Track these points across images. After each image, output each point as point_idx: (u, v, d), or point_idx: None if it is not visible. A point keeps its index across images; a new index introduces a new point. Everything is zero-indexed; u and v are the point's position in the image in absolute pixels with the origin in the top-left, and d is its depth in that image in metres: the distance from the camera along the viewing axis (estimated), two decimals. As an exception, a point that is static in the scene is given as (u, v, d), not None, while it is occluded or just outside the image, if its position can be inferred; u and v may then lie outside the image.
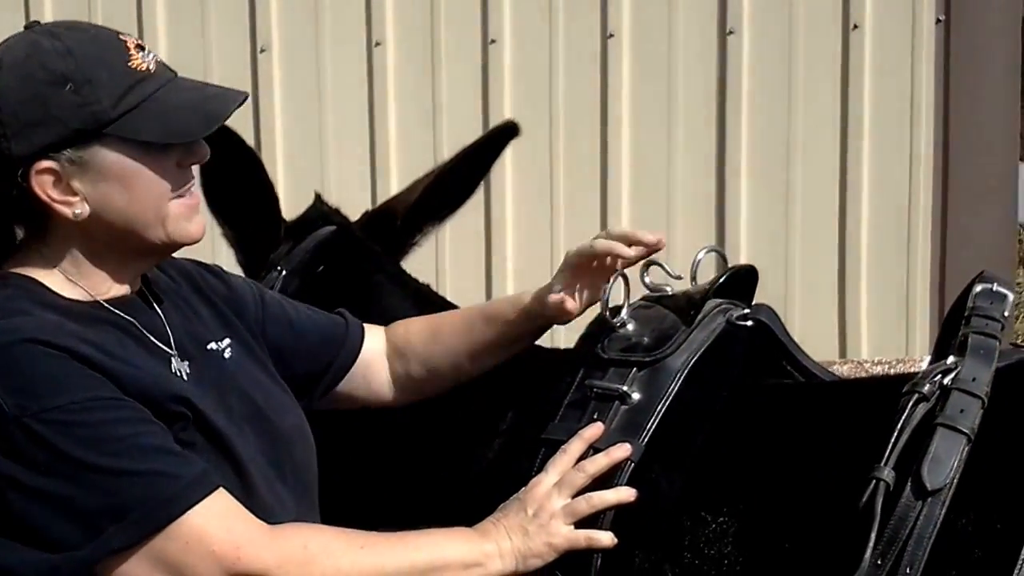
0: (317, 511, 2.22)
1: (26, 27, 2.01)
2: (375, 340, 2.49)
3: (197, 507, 1.88)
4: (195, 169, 2.08)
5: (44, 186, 1.94)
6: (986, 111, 4.44)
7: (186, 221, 2.03)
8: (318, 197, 2.86)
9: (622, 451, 2.11)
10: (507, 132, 2.88)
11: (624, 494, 2.08)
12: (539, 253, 4.73)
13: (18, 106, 1.92)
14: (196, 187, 2.08)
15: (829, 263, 4.57)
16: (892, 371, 4.20)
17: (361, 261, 2.74)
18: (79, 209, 1.96)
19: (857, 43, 4.44)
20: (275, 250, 2.73)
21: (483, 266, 4.82)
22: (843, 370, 4.17)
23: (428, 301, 2.70)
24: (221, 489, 1.93)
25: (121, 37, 2.00)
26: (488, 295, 4.77)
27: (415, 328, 2.50)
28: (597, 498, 2.08)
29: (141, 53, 1.99)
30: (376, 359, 2.47)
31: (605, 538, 2.07)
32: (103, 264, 2.03)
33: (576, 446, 2.13)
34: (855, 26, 4.43)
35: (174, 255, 2.20)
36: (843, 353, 4.56)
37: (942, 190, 4.48)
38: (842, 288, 4.58)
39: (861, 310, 4.57)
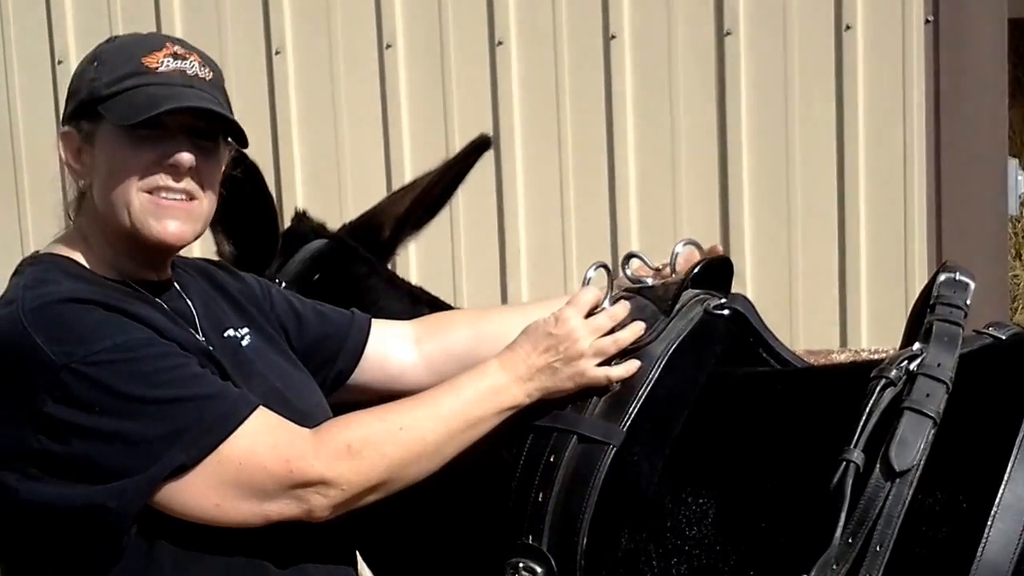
0: None
1: None
2: (391, 330, 2.53)
3: (244, 426, 1.98)
4: (194, 182, 2.11)
5: (66, 150, 2.13)
6: (975, 107, 4.43)
7: (152, 218, 2.09)
8: (302, 215, 2.92)
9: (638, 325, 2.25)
10: (481, 146, 2.94)
11: (638, 328, 2.23)
12: (551, 245, 4.78)
13: (72, 80, 2.15)
14: (193, 198, 2.11)
15: (829, 256, 4.58)
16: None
17: (356, 267, 2.80)
18: (83, 180, 2.12)
19: (849, 43, 4.44)
20: (268, 266, 2.77)
21: (497, 259, 4.87)
22: (841, 359, 4.08)
23: (420, 300, 2.77)
24: (261, 407, 2.04)
25: (168, 44, 2.13)
26: (502, 287, 4.84)
27: (460, 311, 2.60)
28: (622, 338, 2.22)
29: (170, 59, 2.10)
30: (392, 348, 2.51)
31: (618, 371, 2.20)
32: (115, 245, 2.14)
33: (590, 294, 2.27)
34: (847, 27, 4.44)
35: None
36: (843, 343, 4.56)
37: (935, 185, 4.49)
38: (842, 280, 4.59)
39: (861, 301, 4.57)
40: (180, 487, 1.97)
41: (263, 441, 2.00)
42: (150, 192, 2.08)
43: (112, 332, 1.97)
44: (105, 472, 1.94)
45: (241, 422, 1.99)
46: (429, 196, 2.91)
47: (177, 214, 2.10)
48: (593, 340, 2.21)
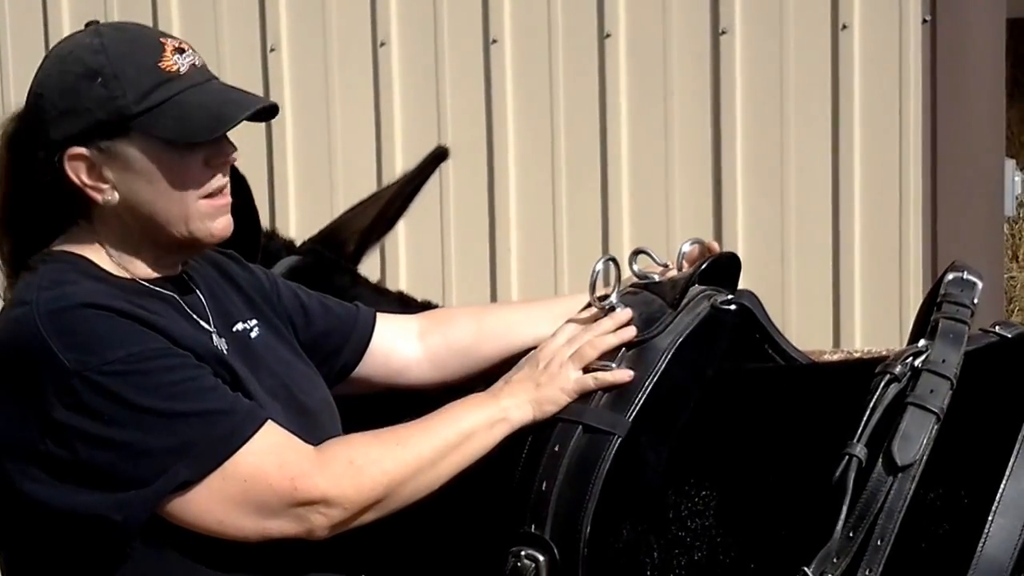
0: None
1: (85, 25, 2.14)
2: (395, 325, 2.54)
3: (250, 443, 1.99)
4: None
5: (77, 171, 2.06)
6: (972, 108, 4.42)
7: (210, 220, 2.11)
8: (270, 233, 2.89)
9: (629, 328, 2.27)
10: (439, 157, 2.97)
11: (625, 334, 2.25)
12: (542, 245, 4.76)
13: (56, 96, 2.06)
14: (227, 189, 2.15)
15: (823, 256, 4.57)
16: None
17: (338, 278, 2.79)
18: (109, 196, 2.07)
19: (846, 42, 4.42)
20: None
21: (487, 260, 4.85)
22: (834, 359, 4.17)
23: (410, 306, 2.77)
24: (270, 422, 2.04)
25: (162, 39, 2.10)
26: (492, 286, 4.81)
27: (462, 307, 2.64)
28: (601, 342, 2.24)
29: (178, 56, 2.08)
30: (397, 342, 2.52)
31: (610, 376, 2.21)
32: (139, 250, 2.13)
33: (582, 314, 2.31)
34: (844, 26, 4.42)
35: None
36: (836, 343, 4.54)
37: (931, 185, 4.47)
38: (836, 281, 4.57)
39: (854, 302, 4.56)
40: (184, 501, 1.98)
41: (270, 460, 2.01)
42: (207, 197, 2.10)
43: (127, 341, 1.97)
44: (109, 482, 1.95)
45: (248, 439, 2.00)
46: (390, 209, 2.93)
47: (226, 210, 2.15)
48: (571, 350, 2.25)
